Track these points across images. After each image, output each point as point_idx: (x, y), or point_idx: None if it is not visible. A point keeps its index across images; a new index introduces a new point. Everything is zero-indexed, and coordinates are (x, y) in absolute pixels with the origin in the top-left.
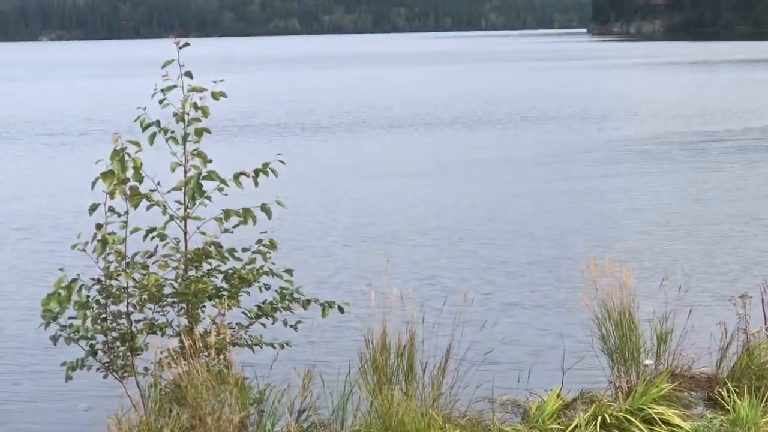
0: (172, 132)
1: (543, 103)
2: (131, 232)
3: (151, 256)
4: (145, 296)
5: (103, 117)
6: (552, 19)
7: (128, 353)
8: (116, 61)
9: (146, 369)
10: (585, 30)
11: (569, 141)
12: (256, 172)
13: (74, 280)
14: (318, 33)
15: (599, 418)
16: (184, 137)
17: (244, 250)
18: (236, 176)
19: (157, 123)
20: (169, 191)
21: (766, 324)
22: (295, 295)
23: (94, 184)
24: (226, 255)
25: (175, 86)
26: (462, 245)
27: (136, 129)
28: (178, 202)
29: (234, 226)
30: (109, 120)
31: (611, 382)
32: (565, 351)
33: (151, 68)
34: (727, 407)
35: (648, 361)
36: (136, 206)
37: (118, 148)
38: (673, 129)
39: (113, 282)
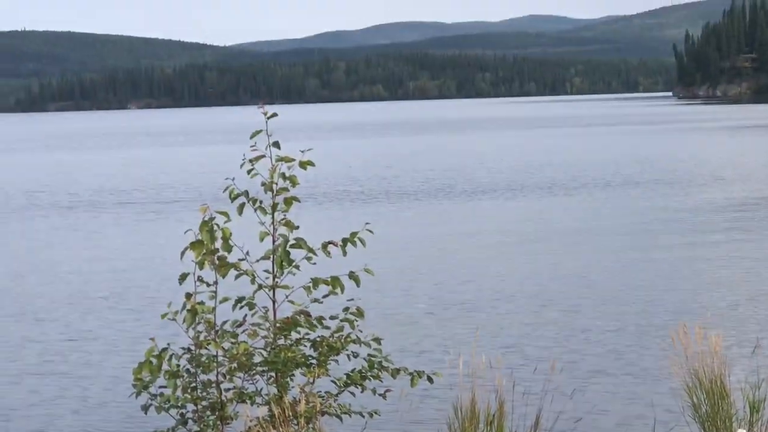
0: (261, 202)
1: (628, 167)
2: (220, 302)
3: (240, 325)
4: (235, 365)
5: (188, 185)
6: (637, 82)
7: (218, 422)
8: (203, 129)
9: None
10: (670, 93)
11: (655, 206)
12: (345, 241)
13: (165, 349)
14: (403, 99)
15: None
16: (273, 207)
17: (332, 318)
18: (324, 246)
19: (246, 193)
20: (257, 260)
21: None
22: (384, 364)
23: (183, 254)
24: (315, 323)
25: (263, 156)
26: (547, 312)
27: (222, 197)
28: (266, 271)
29: (324, 296)
30: (195, 188)
31: None
32: (656, 420)
33: (236, 135)
34: None
35: (741, 430)
36: (224, 276)
37: (206, 218)
38: (760, 194)
39: (203, 351)
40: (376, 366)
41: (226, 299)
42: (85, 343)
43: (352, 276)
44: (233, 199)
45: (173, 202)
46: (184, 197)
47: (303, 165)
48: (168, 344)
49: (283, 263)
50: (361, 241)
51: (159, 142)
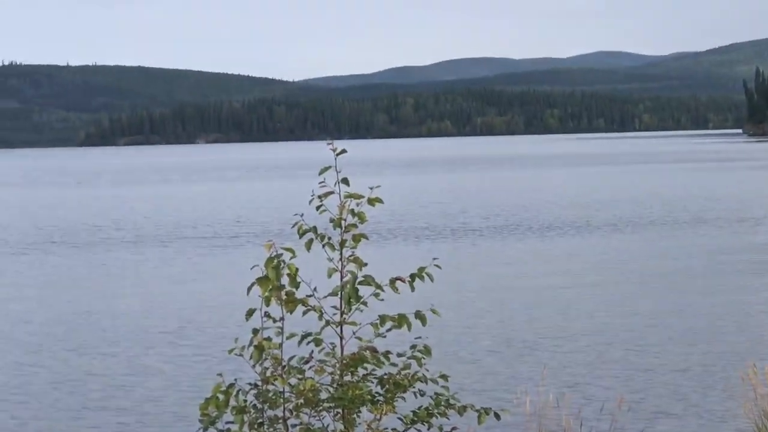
0: (329, 238)
1: (696, 205)
2: (287, 338)
3: (307, 361)
4: (302, 401)
5: (253, 220)
6: (706, 119)
7: None
8: (270, 163)
9: None
10: (740, 131)
11: (723, 244)
12: (413, 277)
13: (231, 385)
14: (470, 134)
15: None
16: (341, 243)
17: (399, 355)
18: (392, 282)
19: (314, 229)
20: (325, 296)
21: None
22: (451, 401)
23: (249, 289)
24: (382, 360)
25: (332, 193)
26: (612, 350)
27: (287, 232)
28: (334, 307)
29: (387, 330)
30: (260, 223)
31: None
32: None
33: (304, 170)
34: None
35: None
36: (292, 312)
37: (271, 255)
38: None
39: (270, 387)
40: (443, 403)
41: (293, 335)
42: (147, 378)
43: (419, 315)
44: (302, 234)
45: (237, 236)
46: (249, 232)
47: (371, 202)
48: (235, 379)
49: (351, 300)
50: (429, 276)
51: (226, 177)
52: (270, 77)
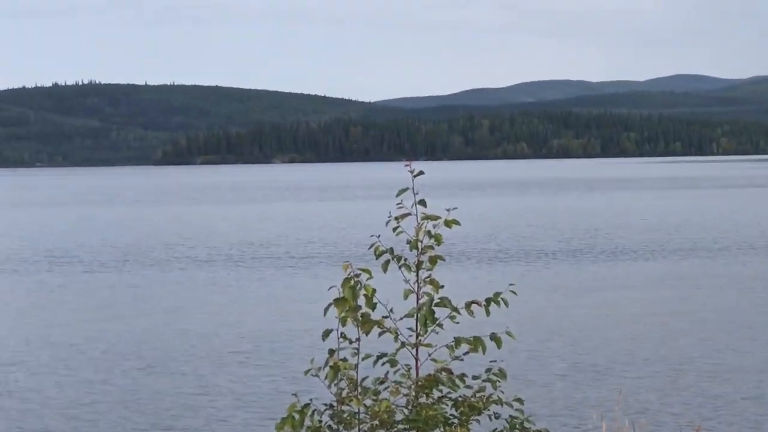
0: (405, 259)
1: None
2: (363, 359)
3: (382, 382)
4: (377, 422)
5: (327, 240)
6: None
7: None
8: (345, 184)
9: None
10: None
11: None
12: (488, 301)
13: (307, 405)
14: (546, 157)
15: None
16: (418, 265)
17: (475, 378)
18: (468, 305)
19: (391, 251)
20: (401, 318)
21: None
22: (525, 425)
23: (326, 310)
24: (457, 382)
25: (409, 214)
26: (685, 376)
27: (361, 253)
28: (409, 329)
29: (464, 353)
30: (333, 243)
31: None
32: None
33: (379, 191)
34: None
35: None
36: (368, 333)
37: (348, 275)
38: None
39: (345, 407)
40: (517, 426)
41: (368, 356)
42: (216, 397)
43: (494, 338)
44: (378, 256)
45: (310, 257)
46: (321, 253)
47: (448, 224)
48: (311, 399)
49: (427, 321)
50: (504, 301)
51: (300, 197)
52: (347, 98)
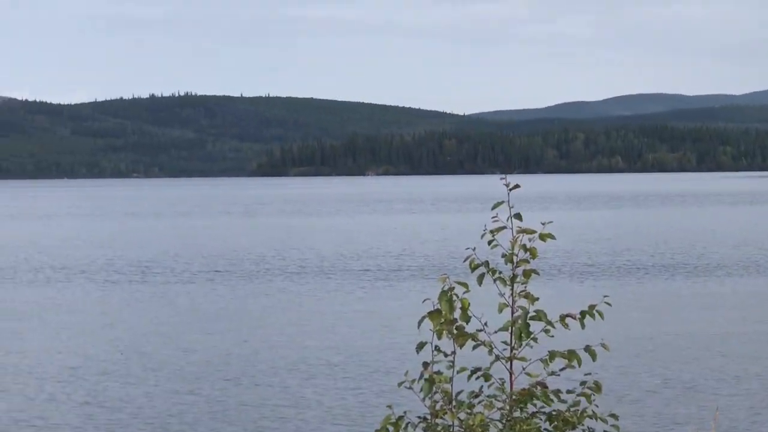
0: (500, 273)
1: None
2: (458, 372)
3: (476, 396)
4: None
5: (419, 253)
6: None
7: None
8: (438, 197)
9: None
10: None
11: None
12: (583, 314)
13: (401, 417)
14: (641, 171)
15: None
16: (512, 278)
17: (569, 392)
18: (563, 318)
19: (486, 264)
20: (495, 331)
21: None
22: None
23: (420, 323)
24: (551, 396)
25: (504, 228)
26: None
27: (450, 266)
28: (504, 342)
29: (561, 369)
30: (424, 256)
31: None
32: None
33: (472, 204)
34: None
35: None
36: (462, 346)
37: (445, 288)
38: None
39: (438, 420)
40: None
41: (463, 369)
42: (304, 409)
43: (589, 350)
44: (473, 269)
45: (401, 270)
46: (412, 266)
47: (543, 237)
48: (405, 412)
49: (522, 335)
50: (600, 314)
51: (393, 209)
52: (441, 110)
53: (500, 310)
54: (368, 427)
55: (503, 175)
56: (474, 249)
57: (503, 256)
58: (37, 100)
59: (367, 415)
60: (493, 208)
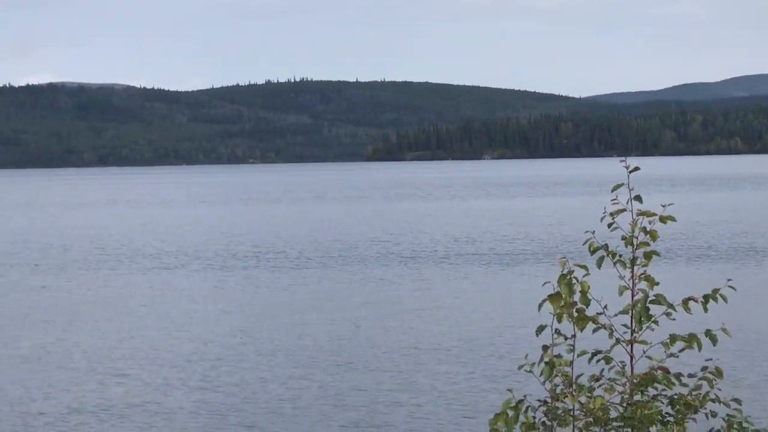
0: (620, 256)
1: None
2: (578, 355)
3: (597, 379)
4: (591, 420)
5: (534, 236)
6: None
7: None
8: (554, 180)
9: None
10: None
11: None
12: (706, 298)
13: (521, 401)
14: (761, 152)
15: None
16: (632, 261)
17: (690, 376)
18: (685, 302)
19: (605, 247)
20: (615, 314)
21: None
22: (744, 424)
23: (540, 306)
24: (673, 380)
25: (624, 210)
26: None
27: (566, 249)
28: (624, 325)
29: (680, 351)
30: (540, 240)
31: None
32: None
33: (589, 187)
34: None
35: None
36: (582, 329)
37: (565, 272)
38: None
39: (559, 404)
40: (735, 426)
41: (584, 353)
42: (417, 394)
43: (709, 335)
44: (593, 252)
45: (516, 254)
46: (528, 249)
47: (663, 220)
48: (525, 396)
49: (642, 318)
50: (723, 297)
51: (509, 193)
52: (556, 93)
53: (620, 293)
54: (481, 412)
55: (622, 158)
56: (593, 232)
57: (623, 238)
58: (155, 87)
59: (480, 400)
60: (612, 191)
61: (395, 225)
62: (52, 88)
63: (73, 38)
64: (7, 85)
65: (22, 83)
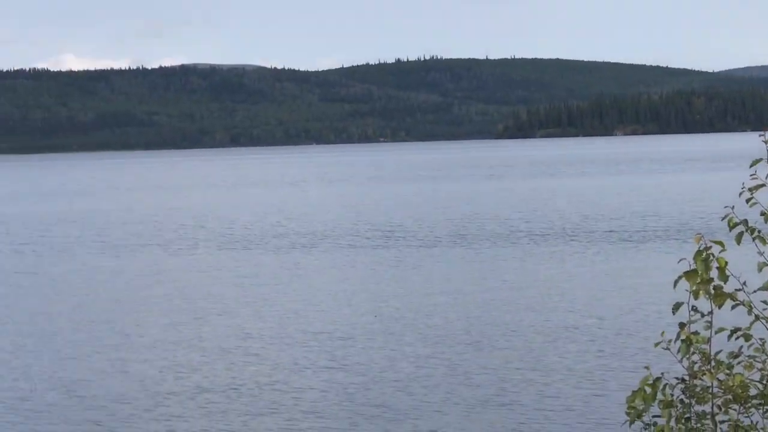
0: (759, 231)
1: None
2: (716, 332)
3: (736, 356)
4: (730, 397)
5: (666, 213)
6: None
7: None
8: (687, 156)
9: None
10: None
11: None
12: None
13: (658, 379)
14: None
15: None
16: None
17: None
18: None
19: (745, 222)
20: (755, 291)
21: None
22: None
23: (676, 283)
24: None
25: (763, 185)
26: None
27: (698, 226)
28: (764, 302)
29: None
30: (671, 216)
31: None
32: None
33: (723, 162)
34: None
35: None
36: (720, 306)
37: (701, 248)
38: None
39: (697, 382)
40: None
41: (721, 330)
42: (547, 372)
43: None
44: (732, 227)
45: (648, 231)
46: (659, 226)
47: None
48: (662, 373)
49: None
50: None
51: (639, 169)
52: (689, 68)
53: (759, 269)
54: (611, 390)
55: (762, 132)
56: (733, 207)
57: (762, 214)
58: (286, 68)
59: (610, 378)
60: (751, 166)
61: (526, 203)
62: (185, 70)
63: (204, 20)
64: (141, 68)
65: (155, 65)
